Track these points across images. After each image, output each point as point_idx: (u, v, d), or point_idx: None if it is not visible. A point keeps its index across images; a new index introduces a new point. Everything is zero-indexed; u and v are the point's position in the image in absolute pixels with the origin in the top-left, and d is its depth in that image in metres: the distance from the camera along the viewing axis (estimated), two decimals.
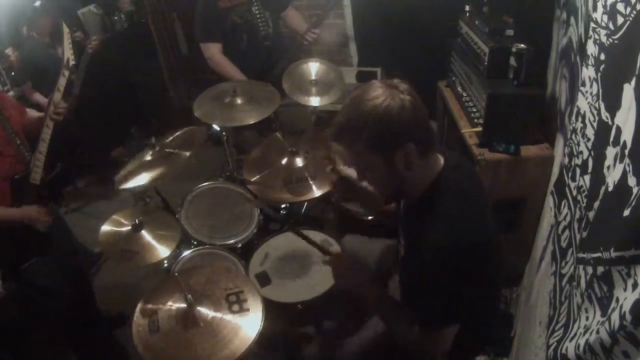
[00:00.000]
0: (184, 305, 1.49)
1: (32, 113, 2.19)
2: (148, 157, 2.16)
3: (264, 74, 2.76)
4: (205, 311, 1.49)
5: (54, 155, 2.04)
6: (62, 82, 2.02)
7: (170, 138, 2.26)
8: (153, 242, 1.95)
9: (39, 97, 3.25)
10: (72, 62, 2.07)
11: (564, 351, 1.32)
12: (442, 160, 1.30)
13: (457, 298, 1.23)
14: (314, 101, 2.58)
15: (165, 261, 2.07)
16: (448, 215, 1.22)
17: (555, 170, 1.94)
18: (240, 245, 2.20)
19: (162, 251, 1.93)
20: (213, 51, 2.64)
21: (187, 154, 2.09)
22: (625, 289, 1.03)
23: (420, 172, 1.25)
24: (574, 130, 1.57)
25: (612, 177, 1.17)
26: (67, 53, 2.06)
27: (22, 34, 3.37)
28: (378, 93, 1.16)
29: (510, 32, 2.15)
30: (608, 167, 1.23)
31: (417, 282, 1.30)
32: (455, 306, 1.24)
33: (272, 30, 2.80)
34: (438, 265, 1.19)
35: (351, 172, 1.67)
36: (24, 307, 2.10)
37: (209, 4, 2.64)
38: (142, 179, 2.04)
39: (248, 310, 1.50)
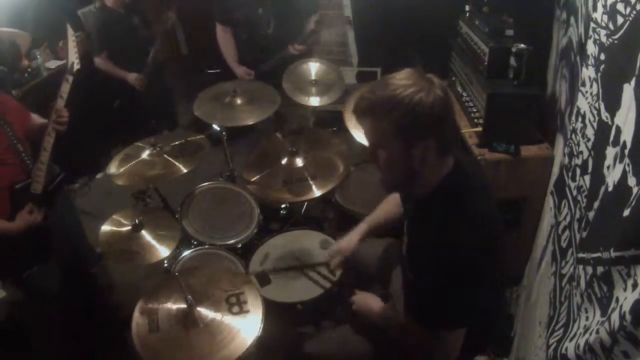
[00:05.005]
0: (184, 305, 1.49)
1: (36, 119, 2.10)
2: (145, 155, 2.19)
3: (253, 66, 3.06)
4: (205, 312, 1.49)
5: (55, 162, 1.95)
6: (64, 88, 1.86)
7: (174, 144, 2.26)
8: (153, 242, 1.96)
9: (114, 69, 3.27)
10: (76, 67, 1.89)
11: (564, 351, 1.32)
12: (453, 160, 1.28)
13: (471, 298, 1.22)
14: (314, 101, 2.59)
15: (165, 261, 2.07)
16: (464, 215, 1.22)
17: (555, 170, 1.94)
18: (240, 245, 2.19)
19: (162, 251, 1.93)
20: (219, 32, 3.12)
21: (184, 169, 2.11)
22: (625, 289, 1.03)
23: (432, 170, 1.24)
24: (574, 130, 1.57)
25: (612, 177, 1.17)
26: (72, 57, 1.88)
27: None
28: (414, 82, 1.16)
29: (510, 32, 2.15)
30: (608, 167, 1.23)
31: (429, 283, 1.27)
32: (468, 306, 1.24)
33: (272, 32, 2.96)
34: (456, 264, 1.18)
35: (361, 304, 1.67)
36: (25, 308, 2.09)
37: None
38: (133, 177, 2.08)
39: (248, 311, 1.50)
